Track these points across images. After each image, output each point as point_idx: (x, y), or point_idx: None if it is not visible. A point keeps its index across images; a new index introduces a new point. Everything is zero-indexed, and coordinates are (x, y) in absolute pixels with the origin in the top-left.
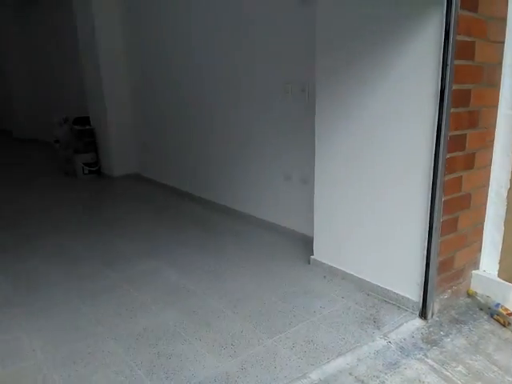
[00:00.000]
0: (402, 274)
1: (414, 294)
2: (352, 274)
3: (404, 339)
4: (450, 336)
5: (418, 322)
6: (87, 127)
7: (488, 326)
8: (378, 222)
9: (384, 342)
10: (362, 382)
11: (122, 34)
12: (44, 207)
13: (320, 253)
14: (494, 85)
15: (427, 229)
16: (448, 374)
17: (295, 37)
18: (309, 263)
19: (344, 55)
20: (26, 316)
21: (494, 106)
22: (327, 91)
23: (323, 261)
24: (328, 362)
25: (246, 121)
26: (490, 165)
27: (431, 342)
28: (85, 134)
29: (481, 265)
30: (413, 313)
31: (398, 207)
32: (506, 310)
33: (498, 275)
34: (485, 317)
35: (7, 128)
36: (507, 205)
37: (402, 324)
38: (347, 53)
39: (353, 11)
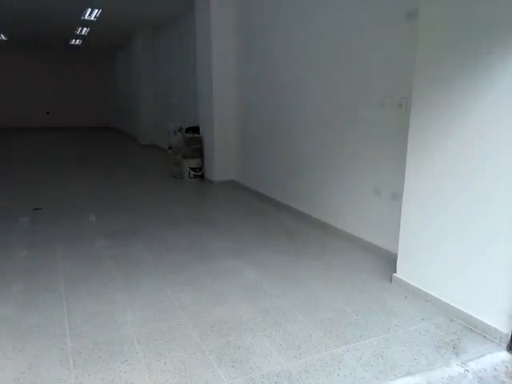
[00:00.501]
0: (491, 302)
1: (503, 325)
2: (435, 297)
3: (484, 370)
4: None
5: (504, 355)
6: (196, 135)
7: None
8: (467, 243)
9: (461, 370)
10: None
11: (235, 59)
12: (152, 203)
13: (403, 271)
14: None
15: None
16: None
17: (397, 50)
18: (390, 281)
19: (445, 71)
20: (122, 292)
21: None
22: (424, 107)
23: (406, 280)
24: (395, 379)
25: (338, 132)
26: None
27: None
28: (193, 141)
29: None
30: (499, 345)
31: (489, 228)
32: None
33: None
34: None
35: (134, 135)
36: None
37: (484, 354)
38: (448, 68)
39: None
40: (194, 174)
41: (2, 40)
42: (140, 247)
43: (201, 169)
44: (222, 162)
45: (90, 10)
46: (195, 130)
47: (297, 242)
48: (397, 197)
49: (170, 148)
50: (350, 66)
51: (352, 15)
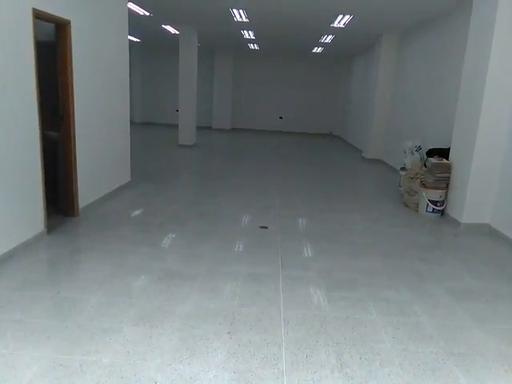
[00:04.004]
0: None
1: None
2: None
3: None
4: None
5: None
6: (444, 161)
7: None
8: None
9: None
10: None
11: None
12: (380, 245)
13: None
14: None
15: None
16: None
17: None
18: None
19: None
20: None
21: None
22: None
23: None
24: None
25: None
26: None
27: None
28: (439, 169)
29: None
30: None
31: None
32: None
33: None
34: None
35: (358, 147)
36: None
37: None
38: None
39: None
40: (434, 209)
41: (255, 49)
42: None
43: (443, 202)
44: (475, 199)
45: (341, 16)
46: (441, 153)
47: None
48: None
49: (403, 169)
50: None
51: None
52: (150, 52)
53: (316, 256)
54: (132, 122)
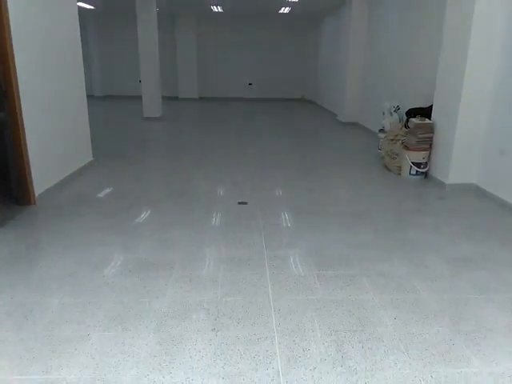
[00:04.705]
0: None
1: None
2: None
3: None
4: None
5: None
6: (426, 121)
7: None
8: None
9: None
10: None
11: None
12: (362, 210)
13: None
14: None
15: None
16: None
17: None
18: None
19: None
20: None
21: None
22: None
23: None
24: None
25: None
26: None
27: None
28: (422, 129)
29: None
30: None
31: None
32: None
33: None
34: None
35: (333, 111)
36: None
37: None
38: None
39: None
40: (417, 171)
41: (218, 12)
42: None
43: (426, 164)
44: (459, 159)
45: None
46: (421, 113)
47: None
48: None
49: (382, 131)
50: None
51: None
52: (106, 20)
53: (302, 231)
54: (92, 96)
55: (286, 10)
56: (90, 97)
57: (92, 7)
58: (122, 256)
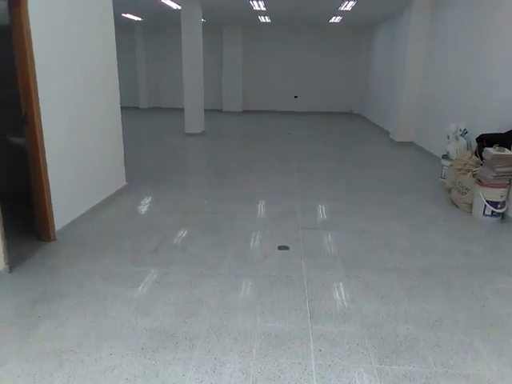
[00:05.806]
0: None
1: None
2: None
3: None
4: None
5: None
6: (506, 152)
7: None
8: None
9: None
10: None
11: None
12: (428, 264)
13: None
14: None
15: None
16: None
17: None
18: None
19: None
20: None
21: None
22: None
23: None
24: None
25: None
26: None
27: None
28: (500, 161)
29: None
30: None
31: None
32: None
33: None
34: None
35: (385, 127)
36: None
37: None
38: None
39: None
40: (493, 211)
41: (266, 22)
42: None
43: (504, 203)
44: None
45: None
46: (499, 141)
47: None
48: None
49: (445, 157)
50: None
51: None
52: (154, 32)
53: (356, 294)
54: (137, 108)
55: (336, 19)
56: (135, 109)
57: (140, 19)
58: (137, 323)
